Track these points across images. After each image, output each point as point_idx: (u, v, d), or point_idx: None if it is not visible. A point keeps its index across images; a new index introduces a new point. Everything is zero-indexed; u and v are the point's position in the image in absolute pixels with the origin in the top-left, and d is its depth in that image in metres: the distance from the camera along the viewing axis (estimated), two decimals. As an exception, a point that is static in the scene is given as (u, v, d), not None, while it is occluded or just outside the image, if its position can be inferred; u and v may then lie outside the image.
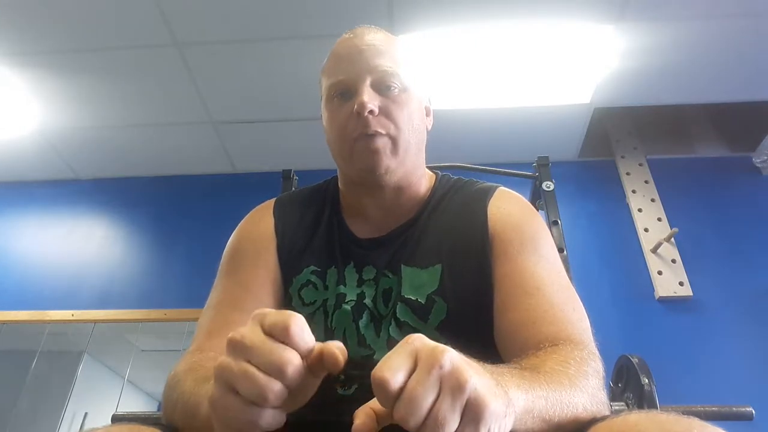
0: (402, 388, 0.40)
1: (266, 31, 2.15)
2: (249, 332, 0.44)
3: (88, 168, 2.94)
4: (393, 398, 0.40)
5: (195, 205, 2.83)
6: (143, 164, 2.90)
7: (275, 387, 0.42)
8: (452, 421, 0.39)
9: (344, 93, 0.81)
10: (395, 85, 0.81)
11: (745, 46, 2.15)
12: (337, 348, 0.45)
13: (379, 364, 0.42)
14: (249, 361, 0.43)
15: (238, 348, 0.44)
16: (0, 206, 2.93)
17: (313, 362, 0.45)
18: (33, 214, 2.90)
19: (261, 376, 0.42)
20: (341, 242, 0.85)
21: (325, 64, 0.87)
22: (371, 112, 0.77)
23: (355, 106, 0.77)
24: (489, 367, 0.48)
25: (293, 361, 0.43)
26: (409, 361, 0.42)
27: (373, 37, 0.84)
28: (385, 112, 0.79)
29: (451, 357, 0.41)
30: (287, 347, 0.43)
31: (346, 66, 0.82)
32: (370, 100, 0.77)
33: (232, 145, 2.77)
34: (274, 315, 0.45)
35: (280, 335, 0.44)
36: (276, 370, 0.42)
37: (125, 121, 2.62)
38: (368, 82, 0.79)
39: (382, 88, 0.80)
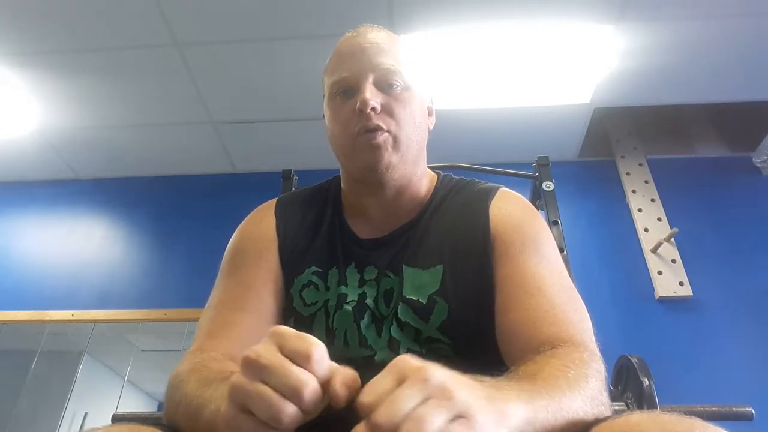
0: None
1: (266, 31, 2.15)
2: (265, 352, 0.44)
3: (88, 168, 2.94)
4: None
5: (195, 205, 2.83)
6: (143, 164, 2.90)
7: (290, 410, 0.42)
8: (434, 423, 0.38)
9: (347, 91, 0.81)
10: (397, 84, 0.81)
11: (745, 46, 2.15)
12: (345, 384, 0.44)
13: (364, 388, 0.41)
14: (264, 382, 0.42)
15: (253, 368, 0.43)
16: (0, 206, 2.93)
17: (327, 384, 0.44)
18: (33, 214, 2.89)
19: (277, 398, 0.41)
20: (343, 242, 0.85)
21: (327, 62, 0.87)
22: (373, 109, 0.77)
23: (358, 103, 0.77)
24: (487, 381, 0.48)
25: (310, 383, 0.42)
26: (394, 382, 0.41)
27: (376, 35, 0.84)
28: (387, 110, 0.79)
29: (439, 373, 0.40)
30: (304, 370, 0.43)
31: (348, 64, 0.82)
32: (372, 97, 0.78)
33: (232, 145, 2.77)
34: (295, 340, 0.44)
35: (301, 362, 0.43)
36: (293, 393, 0.42)
37: (125, 121, 2.62)
38: (371, 79, 0.79)
39: (384, 86, 0.80)
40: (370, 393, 0.40)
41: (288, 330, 0.45)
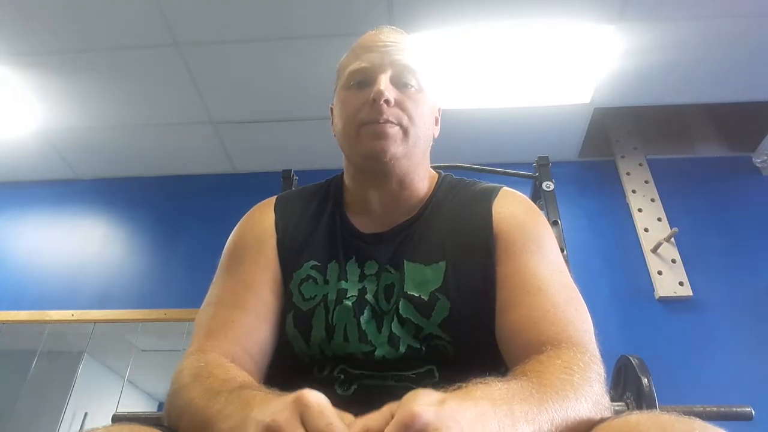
0: None
1: (266, 31, 2.15)
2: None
3: (88, 168, 2.94)
4: None
5: (195, 205, 2.83)
6: (143, 164, 2.90)
7: None
8: None
9: (362, 81, 0.83)
10: (413, 84, 0.83)
11: (745, 46, 2.15)
12: None
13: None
14: None
15: None
16: (0, 206, 2.93)
17: None
18: (33, 214, 2.89)
19: None
20: (343, 236, 0.85)
21: (344, 57, 0.90)
22: (387, 101, 0.79)
23: (372, 94, 0.79)
24: (497, 392, 0.49)
25: None
26: None
27: (398, 36, 0.87)
28: (400, 105, 0.81)
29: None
30: None
31: (369, 56, 0.84)
32: (387, 89, 0.79)
33: (232, 145, 2.77)
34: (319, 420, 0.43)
35: None
36: None
37: (125, 121, 2.62)
38: (389, 74, 0.81)
39: (400, 83, 0.82)
40: None
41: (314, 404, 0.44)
